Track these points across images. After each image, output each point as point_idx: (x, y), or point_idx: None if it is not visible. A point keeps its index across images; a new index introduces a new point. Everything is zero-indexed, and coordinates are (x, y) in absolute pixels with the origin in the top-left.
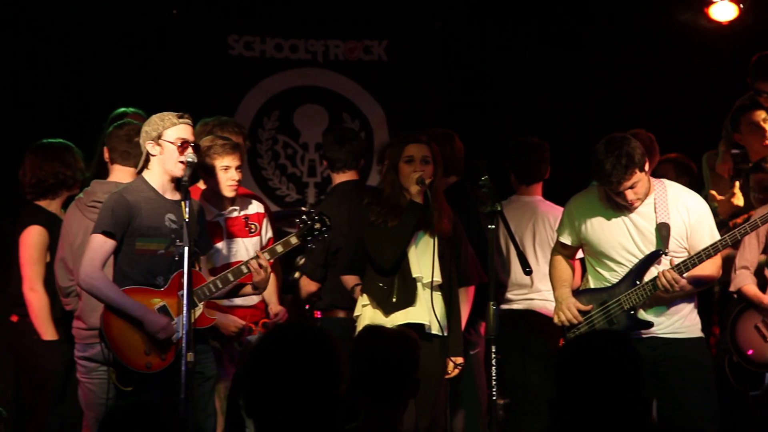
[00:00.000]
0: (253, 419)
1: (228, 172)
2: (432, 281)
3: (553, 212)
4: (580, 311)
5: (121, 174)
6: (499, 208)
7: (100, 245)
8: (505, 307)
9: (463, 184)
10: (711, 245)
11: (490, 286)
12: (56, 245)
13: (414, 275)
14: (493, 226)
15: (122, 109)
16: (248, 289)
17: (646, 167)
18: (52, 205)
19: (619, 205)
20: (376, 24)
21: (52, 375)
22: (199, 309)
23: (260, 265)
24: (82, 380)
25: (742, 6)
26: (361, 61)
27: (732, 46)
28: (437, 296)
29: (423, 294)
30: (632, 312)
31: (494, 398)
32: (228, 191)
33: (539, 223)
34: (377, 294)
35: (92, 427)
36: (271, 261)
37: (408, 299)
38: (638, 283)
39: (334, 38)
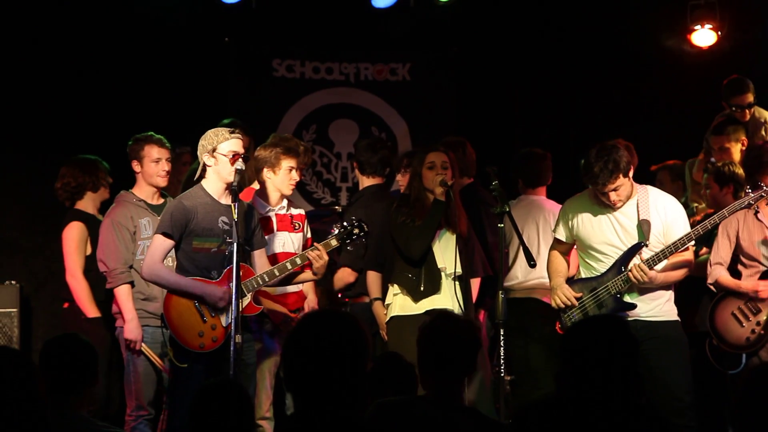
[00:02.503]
0: (291, 392)
1: (292, 172)
2: (454, 272)
3: (556, 210)
4: (573, 297)
5: None
6: (507, 209)
7: (160, 243)
8: (510, 295)
9: (474, 186)
10: (676, 240)
11: (499, 277)
12: (94, 242)
13: (439, 266)
14: (502, 225)
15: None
16: (303, 276)
17: (630, 173)
18: (88, 207)
19: (606, 205)
20: (401, 49)
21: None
22: (247, 299)
23: (319, 256)
24: None
25: (720, 33)
26: (388, 82)
27: (711, 67)
28: (458, 285)
29: (446, 283)
30: (618, 295)
31: (502, 375)
32: (288, 189)
33: (545, 219)
34: (407, 284)
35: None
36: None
37: (434, 287)
38: (623, 270)
39: (364, 62)
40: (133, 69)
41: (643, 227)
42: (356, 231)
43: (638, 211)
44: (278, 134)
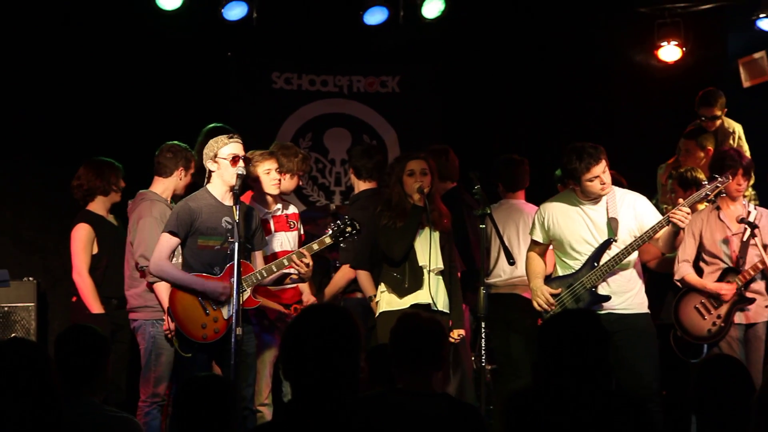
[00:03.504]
0: (289, 381)
1: (270, 174)
2: (435, 268)
3: (535, 212)
4: (552, 294)
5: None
6: (488, 212)
7: (167, 241)
8: (493, 291)
9: (457, 190)
10: (648, 229)
11: (481, 274)
12: (101, 242)
13: (420, 264)
14: (484, 226)
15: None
16: (289, 280)
17: None
18: (99, 209)
19: (579, 206)
20: (391, 63)
21: None
22: (247, 293)
23: (304, 262)
24: None
25: (684, 49)
26: (378, 93)
27: (677, 81)
28: (440, 280)
29: (429, 279)
30: (593, 289)
31: (483, 364)
32: (273, 189)
33: (524, 221)
34: (392, 282)
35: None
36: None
37: (417, 284)
38: (596, 265)
39: (356, 74)
40: (142, 81)
41: (612, 224)
42: (349, 229)
43: (607, 210)
44: (279, 142)
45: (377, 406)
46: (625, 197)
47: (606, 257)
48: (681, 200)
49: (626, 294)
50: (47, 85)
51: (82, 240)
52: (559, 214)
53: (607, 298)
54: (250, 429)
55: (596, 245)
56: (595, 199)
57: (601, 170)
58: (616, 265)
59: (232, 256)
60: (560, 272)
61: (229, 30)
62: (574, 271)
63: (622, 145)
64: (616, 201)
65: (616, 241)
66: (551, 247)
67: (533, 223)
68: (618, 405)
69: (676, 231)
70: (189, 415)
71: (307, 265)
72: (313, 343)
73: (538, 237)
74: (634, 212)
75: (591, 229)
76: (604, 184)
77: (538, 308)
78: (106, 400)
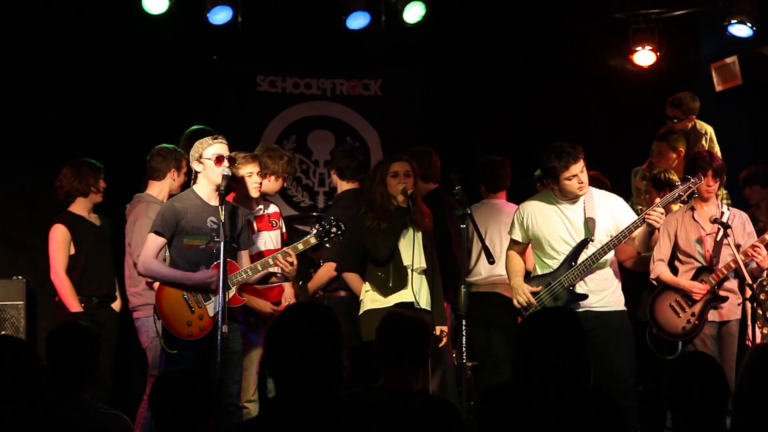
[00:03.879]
0: (272, 378)
1: (252, 177)
2: (419, 268)
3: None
4: (531, 292)
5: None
6: (468, 212)
7: (153, 241)
8: (474, 290)
9: (439, 191)
10: (623, 229)
11: (461, 273)
12: (78, 242)
13: (404, 264)
14: (464, 226)
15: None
16: (274, 279)
17: None
18: (80, 210)
19: (557, 206)
20: (373, 67)
21: None
22: (232, 291)
23: (289, 261)
24: None
25: (658, 54)
26: (361, 96)
27: (651, 84)
28: (423, 279)
29: (412, 278)
30: (571, 288)
31: (464, 361)
32: (254, 192)
33: (505, 220)
34: (377, 281)
35: None
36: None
37: (401, 283)
38: (573, 264)
39: (339, 78)
40: (130, 84)
41: (589, 224)
42: (333, 230)
43: (584, 210)
44: (264, 144)
45: (353, 405)
46: (602, 198)
47: (583, 256)
48: (657, 200)
49: (603, 292)
50: (35, 87)
51: (58, 241)
52: (537, 214)
53: (585, 296)
54: (235, 425)
55: (574, 244)
56: (573, 198)
57: (579, 169)
58: (593, 264)
59: (218, 255)
60: (539, 271)
61: (214, 34)
62: (552, 269)
63: (598, 148)
64: (594, 201)
65: (593, 240)
66: (530, 245)
67: (512, 222)
68: (592, 402)
69: (651, 231)
70: (163, 409)
71: (292, 263)
72: (296, 341)
73: (517, 236)
74: (611, 213)
75: (569, 229)
76: (581, 183)
77: (518, 306)
78: (92, 398)
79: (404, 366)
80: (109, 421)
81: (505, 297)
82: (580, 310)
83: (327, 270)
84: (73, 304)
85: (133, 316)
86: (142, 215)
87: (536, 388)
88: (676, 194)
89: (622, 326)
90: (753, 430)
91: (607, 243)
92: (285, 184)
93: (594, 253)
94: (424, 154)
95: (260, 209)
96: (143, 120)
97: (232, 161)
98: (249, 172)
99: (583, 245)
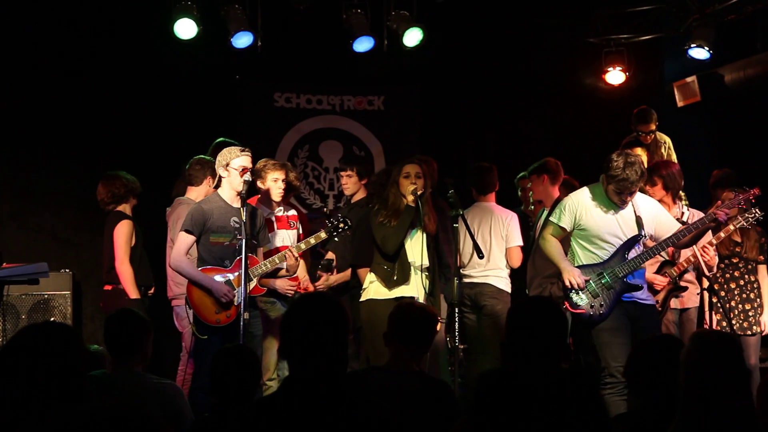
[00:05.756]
0: (286, 359)
1: (277, 183)
2: (422, 265)
3: (504, 213)
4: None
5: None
6: (461, 213)
7: (184, 239)
8: (467, 280)
9: (433, 195)
10: (676, 232)
11: (454, 266)
12: (136, 238)
13: (409, 260)
14: (457, 225)
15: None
16: (282, 272)
17: None
18: (128, 211)
19: (611, 202)
20: (377, 85)
21: None
22: (253, 282)
23: (294, 257)
24: None
25: (628, 74)
26: (366, 111)
27: (621, 101)
28: (425, 276)
29: (415, 274)
30: (625, 279)
31: (456, 344)
32: (277, 197)
33: (495, 221)
34: (382, 274)
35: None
36: (303, 250)
37: (405, 278)
38: (627, 257)
39: (347, 94)
40: (162, 101)
41: (638, 222)
42: (341, 225)
43: (634, 209)
44: (268, 159)
45: (360, 383)
46: (640, 199)
47: (633, 252)
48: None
49: (645, 287)
50: (84, 106)
51: (126, 234)
52: (592, 207)
53: (640, 287)
54: (258, 398)
55: (623, 239)
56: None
57: (628, 195)
58: (644, 261)
59: (240, 250)
60: (583, 260)
61: (237, 56)
62: (601, 261)
63: (573, 156)
64: (638, 202)
65: (645, 237)
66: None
67: (561, 210)
68: (571, 383)
69: (706, 229)
70: (222, 377)
71: (296, 259)
72: (306, 325)
73: (565, 224)
74: (652, 212)
75: (621, 225)
76: (623, 203)
77: (568, 285)
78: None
79: (411, 348)
80: (162, 388)
81: (496, 287)
82: (629, 300)
83: (345, 274)
84: (133, 292)
85: (172, 303)
86: (182, 215)
87: (521, 369)
88: (741, 201)
89: (657, 319)
90: (694, 409)
91: (665, 240)
92: (300, 190)
93: (650, 249)
94: (424, 161)
95: (280, 210)
96: (175, 132)
97: (254, 173)
98: (275, 177)
99: (635, 240)
